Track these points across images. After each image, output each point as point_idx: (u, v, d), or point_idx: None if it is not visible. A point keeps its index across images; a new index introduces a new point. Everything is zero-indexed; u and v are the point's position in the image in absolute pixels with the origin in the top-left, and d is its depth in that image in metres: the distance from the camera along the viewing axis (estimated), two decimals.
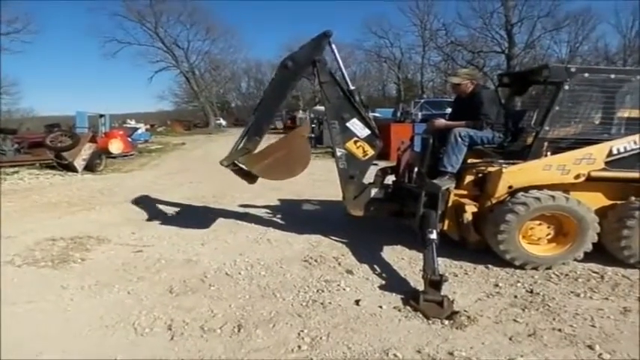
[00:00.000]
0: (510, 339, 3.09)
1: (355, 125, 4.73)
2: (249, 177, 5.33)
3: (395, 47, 52.37)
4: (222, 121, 57.59)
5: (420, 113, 19.29)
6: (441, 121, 5.14)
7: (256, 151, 5.05)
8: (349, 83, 4.83)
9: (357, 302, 3.67)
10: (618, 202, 4.41)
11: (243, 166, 5.19)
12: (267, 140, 5.26)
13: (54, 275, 4.35)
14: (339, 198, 7.50)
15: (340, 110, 4.77)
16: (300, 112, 38.80)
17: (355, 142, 4.77)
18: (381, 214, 5.28)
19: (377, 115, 20.57)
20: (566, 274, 4.27)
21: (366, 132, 4.76)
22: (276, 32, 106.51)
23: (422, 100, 23.01)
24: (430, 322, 3.33)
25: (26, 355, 2.90)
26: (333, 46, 4.73)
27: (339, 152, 4.81)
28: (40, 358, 2.87)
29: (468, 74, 5.20)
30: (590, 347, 2.98)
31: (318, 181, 9.56)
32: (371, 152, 4.80)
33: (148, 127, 36.14)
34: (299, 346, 3.00)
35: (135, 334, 3.18)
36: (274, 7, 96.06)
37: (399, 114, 20.76)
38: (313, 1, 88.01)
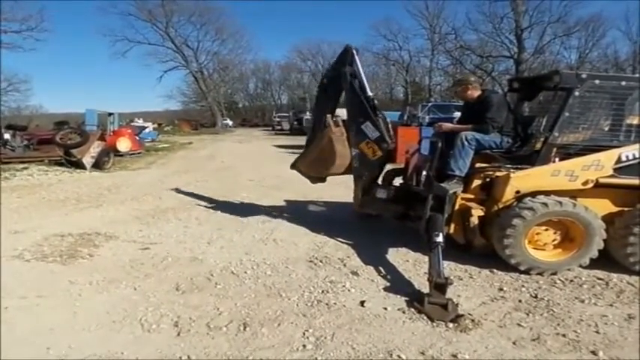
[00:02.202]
0: (514, 343, 3.10)
1: (368, 128, 5.08)
2: (316, 178, 5.96)
3: (403, 50, 52.62)
4: (229, 122, 57.87)
5: (427, 117, 19.25)
6: (448, 125, 5.20)
7: None
8: (367, 90, 5.20)
9: (361, 303, 3.69)
10: (626, 209, 4.40)
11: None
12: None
13: (62, 270, 4.41)
14: (345, 199, 7.55)
15: (357, 114, 5.18)
16: (308, 113, 38.88)
17: (367, 143, 5.11)
18: (383, 213, 5.58)
19: None
20: (571, 280, 4.27)
21: (376, 134, 5.06)
22: (285, 34, 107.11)
23: (429, 104, 22.97)
24: (434, 324, 3.34)
25: (34, 349, 2.94)
26: (356, 57, 5.24)
27: (353, 152, 5.22)
28: (48, 351, 2.91)
29: (461, 80, 5.45)
30: (594, 353, 2.99)
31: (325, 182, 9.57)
32: (379, 153, 5.08)
33: (156, 125, 36.33)
34: (304, 346, 3.02)
35: (141, 330, 3.22)
36: (283, 9, 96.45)
37: (405, 117, 20.74)
38: (323, 3, 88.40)
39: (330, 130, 5.38)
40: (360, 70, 5.25)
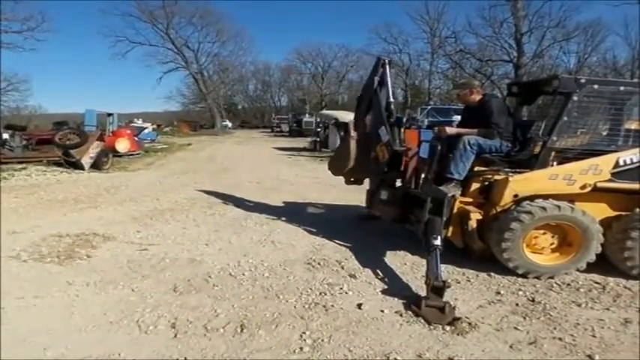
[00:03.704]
0: (511, 347, 3.10)
1: (382, 132, 5.35)
2: (354, 180, 6.26)
3: (403, 53, 52.71)
4: (229, 123, 57.89)
5: (426, 120, 19.30)
6: (452, 128, 5.19)
7: None
8: (390, 96, 5.61)
9: (359, 306, 3.69)
10: (623, 213, 4.42)
11: None
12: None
13: (60, 271, 4.40)
14: (343, 202, 7.58)
15: (376, 119, 5.54)
16: (307, 115, 38.93)
17: (380, 146, 5.36)
18: (383, 215, 5.71)
19: None
20: (568, 284, 4.27)
21: (387, 138, 5.29)
22: (285, 36, 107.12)
23: (429, 107, 23.02)
24: (431, 327, 3.34)
25: (31, 349, 2.94)
26: (387, 67, 5.64)
27: (372, 154, 5.52)
28: (45, 352, 2.91)
29: (465, 84, 5.47)
30: (590, 357, 2.99)
31: (323, 184, 9.61)
32: (387, 155, 5.29)
33: (155, 126, 36.32)
34: (301, 348, 3.02)
35: (139, 331, 3.21)
36: (284, 11, 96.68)
37: (405, 120, 20.78)
38: (323, 5, 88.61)
39: (349, 134, 5.85)
40: (388, 79, 5.61)
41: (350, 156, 5.73)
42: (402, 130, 5.90)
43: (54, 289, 3.91)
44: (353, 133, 5.82)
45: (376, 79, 5.58)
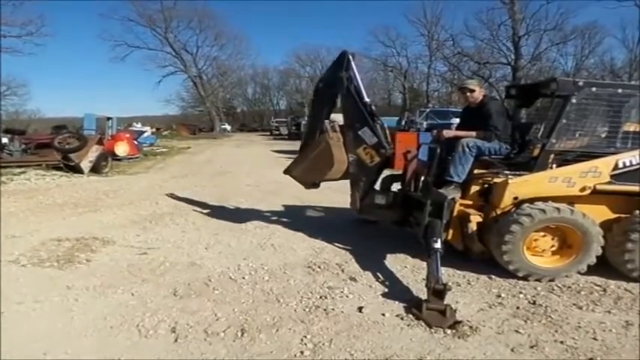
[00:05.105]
0: (512, 350, 3.09)
1: (365, 133, 5.08)
2: (310, 183, 5.91)
3: (401, 57, 52.84)
4: (228, 126, 57.90)
5: (425, 122, 19.29)
6: (450, 131, 5.19)
7: None
8: (364, 95, 5.20)
9: (359, 309, 3.68)
10: (623, 215, 4.42)
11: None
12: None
13: (59, 275, 4.39)
14: (343, 205, 7.55)
15: (354, 120, 5.19)
16: (306, 118, 38.94)
17: (364, 148, 5.11)
18: (382, 219, 5.64)
19: None
20: (569, 287, 4.27)
21: (374, 140, 5.06)
22: (284, 40, 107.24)
23: (427, 110, 23.01)
24: (432, 330, 3.33)
25: (31, 355, 2.92)
26: (352, 62, 5.22)
27: (350, 157, 5.23)
28: (44, 357, 2.90)
29: (477, 83, 5.37)
30: None
31: (322, 187, 9.55)
32: (377, 159, 5.09)
33: (154, 130, 36.30)
34: (302, 352, 3.01)
35: (139, 336, 3.20)
36: (282, 15, 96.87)
37: (403, 122, 20.79)
38: (321, 8, 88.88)
39: (327, 136, 5.37)
40: (357, 75, 5.27)
41: (334, 160, 5.25)
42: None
43: (53, 294, 3.90)
44: (332, 135, 5.34)
45: (344, 74, 5.14)
